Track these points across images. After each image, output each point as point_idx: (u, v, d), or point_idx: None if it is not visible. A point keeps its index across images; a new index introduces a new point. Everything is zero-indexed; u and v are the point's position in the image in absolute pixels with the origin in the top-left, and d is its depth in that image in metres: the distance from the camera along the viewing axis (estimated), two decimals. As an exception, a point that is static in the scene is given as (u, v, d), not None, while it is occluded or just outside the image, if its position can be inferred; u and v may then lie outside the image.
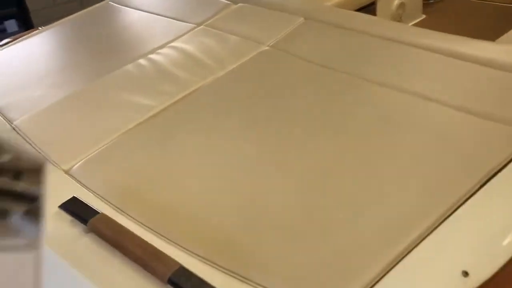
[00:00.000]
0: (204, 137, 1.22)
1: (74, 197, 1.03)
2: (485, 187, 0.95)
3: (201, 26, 1.76)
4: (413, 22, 3.40)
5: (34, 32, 2.12)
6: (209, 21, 1.78)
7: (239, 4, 1.85)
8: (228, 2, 1.88)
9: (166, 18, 1.89)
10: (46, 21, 2.23)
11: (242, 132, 1.22)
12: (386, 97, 1.25)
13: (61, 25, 2.12)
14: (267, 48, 1.55)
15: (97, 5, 2.27)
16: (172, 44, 1.68)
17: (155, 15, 1.94)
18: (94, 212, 0.98)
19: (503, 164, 0.99)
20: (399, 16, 3.25)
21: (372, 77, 1.32)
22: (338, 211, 0.95)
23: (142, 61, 1.61)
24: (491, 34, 3.12)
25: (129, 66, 1.59)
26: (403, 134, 1.11)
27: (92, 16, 2.14)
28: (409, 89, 1.25)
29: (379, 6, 3.09)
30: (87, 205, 1.00)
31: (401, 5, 3.26)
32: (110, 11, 2.12)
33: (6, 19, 3.10)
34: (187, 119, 1.30)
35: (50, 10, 3.29)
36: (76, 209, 1.00)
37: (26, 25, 3.17)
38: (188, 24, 1.80)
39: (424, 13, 3.52)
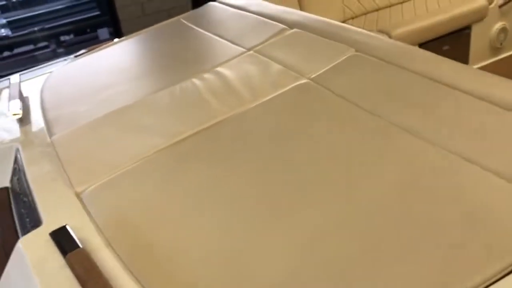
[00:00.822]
0: (212, 177, 1.17)
1: (64, 226, 1.05)
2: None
3: (250, 52, 1.72)
4: (518, 49, 3.02)
5: (109, 44, 2.24)
6: (259, 47, 1.73)
7: (293, 30, 1.77)
8: (284, 27, 1.81)
9: (223, 41, 1.88)
10: (135, 30, 2.35)
11: (253, 177, 1.15)
12: (420, 153, 1.09)
13: (132, 38, 2.22)
14: (306, 81, 1.46)
15: (169, 21, 2.34)
16: (218, 68, 1.66)
17: (216, 37, 1.94)
18: (75, 246, 0.98)
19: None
20: (500, 43, 2.90)
21: (409, 125, 1.17)
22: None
23: (184, 83, 1.61)
24: None
25: (172, 88, 1.60)
26: (429, 205, 0.95)
27: (161, 33, 2.21)
28: (448, 145, 1.08)
29: (475, 31, 2.79)
30: (72, 237, 1.01)
31: (503, 30, 2.91)
32: (177, 29, 2.17)
33: (100, 27, 3.35)
34: (202, 153, 1.26)
35: (140, 19, 3.49)
36: (62, 239, 1.01)
37: (117, 34, 3.40)
38: (239, 48, 1.77)
39: (533, 39, 3.12)
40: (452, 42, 2.72)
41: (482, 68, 2.86)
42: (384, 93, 1.31)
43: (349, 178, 1.07)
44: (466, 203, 0.93)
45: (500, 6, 2.79)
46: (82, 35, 3.68)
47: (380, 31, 2.52)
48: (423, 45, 2.61)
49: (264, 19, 1.93)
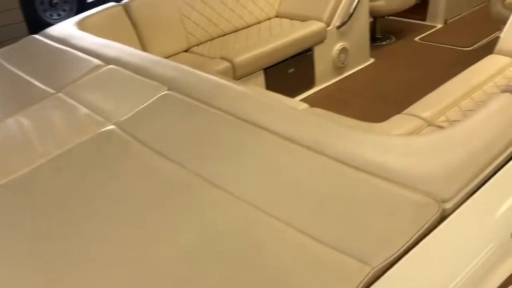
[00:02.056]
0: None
1: None
2: None
3: (59, 93, 1.54)
4: (360, 67, 3.19)
5: None
6: (69, 87, 1.56)
7: (108, 67, 1.63)
8: (100, 63, 1.66)
9: (33, 81, 1.67)
10: None
11: (33, 247, 0.97)
12: (218, 205, 1.01)
13: None
14: (112, 127, 1.32)
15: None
16: (18, 116, 1.45)
17: (26, 77, 1.72)
18: None
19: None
20: (341, 62, 3.04)
21: (210, 173, 1.08)
22: None
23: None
24: (443, 77, 2.91)
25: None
26: (224, 267, 0.86)
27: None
28: (249, 196, 1.00)
29: (317, 52, 2.89)
30: None
31: (343, 50, 3.06)
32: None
33: None
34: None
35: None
36: None
37: None
38: (48, 89, 1.58)
39: (373, 56, 3.33)
40: (296, 64, 2.78)
41: (327, 87, 2.97)
42: (190, 137, 1.22)
43: (139, 243, 0.95)
44: (264, 266, 0.85)
45: (338, 27, 2.92)
46: None
47: (223, 58, 2.48)
48: (269, 69, 2.63)
49: (81, 54, 1.77)
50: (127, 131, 1.28)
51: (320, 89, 2.95)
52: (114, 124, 1.33)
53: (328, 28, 2.86)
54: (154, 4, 2.54)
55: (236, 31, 2.90)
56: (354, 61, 3.13)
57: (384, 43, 3.56)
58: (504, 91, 1.20)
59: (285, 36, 2.67)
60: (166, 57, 2.61)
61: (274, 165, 1.07)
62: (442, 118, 1.73)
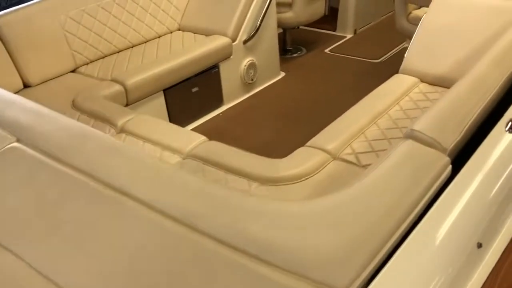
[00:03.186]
0: None
1: None
2: None
3: None
4: (270, 82, 3.04)
5: None
6: None
7: None
8: None
9: None
10: None
11: None
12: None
13: None
14: None
15: None
16: None
17: None
18: None
19: None
20: (250, 78, 2.86)
21: (49, 271, 0.83)
22: None
23: None
24: (353, 91, 2.82)
25: None
26: None
27: None
28: None
29: (223, 69, 2.69)
30: None
31: (251, 66, 2.88)
32: None
33: None
34: None
35: None
36: None
37: None
38: None
39: (283, 69, 3.19)
40: (201, 82, 2.55)
41: (237, 105, 2.77)
42: (27, 213, 0.95)
43: None
44: None
45: (245, 42, 2.74)
46: None
47: (114, 80, 2.20)
48: (169, 89, 2.38)
49: None
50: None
51: (229, 108, 2.75)
52: None
53: (234, 43, 2.67)
54: (30, 20, 2.20)
55: (133, 47, 2.62)
56: (264, 76, 2.97)
57: (295, 55, 3.44)
58: (406, 136, 1.06)
59: (186, 53, 2.44)
60: (48, 79, 2.28)
61: (130, 250, 0.84)
62: (348, 150, 1.59)
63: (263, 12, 2.71)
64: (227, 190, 0.93)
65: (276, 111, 2.71)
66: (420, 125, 1.07)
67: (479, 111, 1.13)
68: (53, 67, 2.27)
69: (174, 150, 1.66)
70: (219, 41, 2.58)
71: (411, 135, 1.04)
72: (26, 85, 2.22)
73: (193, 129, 2.54)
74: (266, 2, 2.69)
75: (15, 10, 2.19)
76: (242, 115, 2.68)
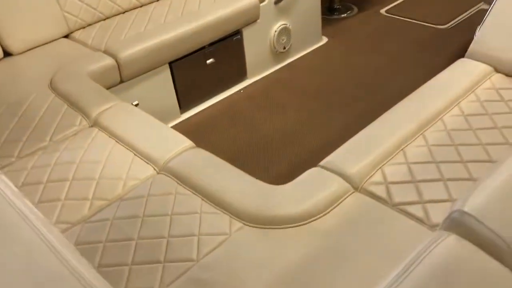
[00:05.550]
0: None
1: None
2: None
3: None
4: (308, 51, 2.54)
5: None
6: None
7: None
8: None
9: None
10: None
11: None
12: None
13: None
14: None
15: None
16: None
17: None
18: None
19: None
20: (283, 47, 2.36)
21: None
22: None
23: None
24: (409, 70, 2.28)
25: None
26: None
27: None
28: None
29: (247, 36, 2.21)
30: None
31: (284, 31, 2.38)
32: None
33: None
34: None
35: None
36: None
37: None
38: None
39: (327, 34, 2.65)
40: (218, 53, 2.12)
41: (263, 79, 2.33)
42: None
43: None
44: None
45: (276, 2, 2.25)
46: None
47: (106, 52, 1.82)
48: (177, 61, 1.98)
49: None
50: None
51: (254, 82, 2.31)
52: None
53: (262, 4, 2.18)
54: (10, -25, 1.83)
55: (141, 6, 2.21)
56: (300, 43, 2.47)
57: (343, 15, 2.88)
58: (444, 228, 0.62)
59: (200, 17, 1.99)
60: (35, 47, 1.94)
61: None
62: (377, 176, 1.14)
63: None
64: None
65: (310, 89, 2.24)
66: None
67: None
68: (41, 32, 1.92)
69: (148, 158, 1.29)
70: (242, 2, 2.11)
71: (448, 225, 0.60)
72: (7, 53, 1.89)
73: (205, 109, 2.15)
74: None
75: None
76: (266, 93, 2.23)
